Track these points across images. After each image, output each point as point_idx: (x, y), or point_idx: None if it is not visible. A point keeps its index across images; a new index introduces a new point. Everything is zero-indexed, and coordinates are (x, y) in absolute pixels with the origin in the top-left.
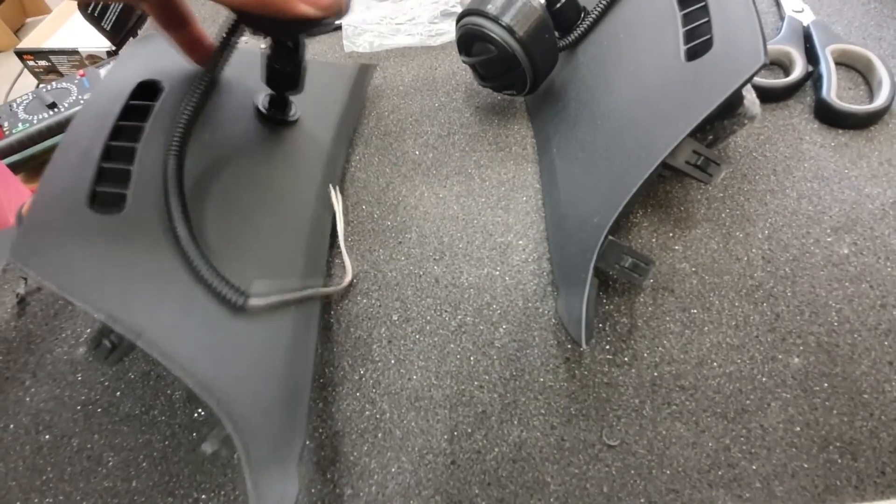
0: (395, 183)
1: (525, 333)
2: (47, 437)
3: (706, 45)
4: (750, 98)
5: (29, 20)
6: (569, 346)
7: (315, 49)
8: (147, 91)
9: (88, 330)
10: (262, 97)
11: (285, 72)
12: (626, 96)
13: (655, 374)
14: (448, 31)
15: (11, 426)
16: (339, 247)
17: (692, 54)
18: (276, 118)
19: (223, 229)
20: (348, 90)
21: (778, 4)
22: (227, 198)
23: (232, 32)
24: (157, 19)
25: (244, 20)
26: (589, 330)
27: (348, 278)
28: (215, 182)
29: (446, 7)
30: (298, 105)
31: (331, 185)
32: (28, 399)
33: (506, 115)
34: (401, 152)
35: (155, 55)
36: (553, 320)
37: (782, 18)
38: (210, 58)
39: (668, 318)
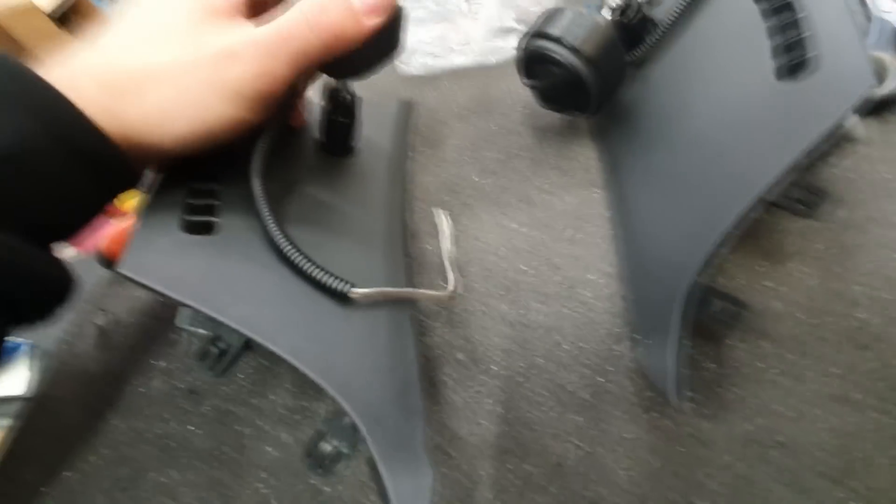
0: (455, 212)
1: (601, 378)
2: (126, 470)
3: (801, 63)
4: (852, 118)
5: None
6: (649, 394)
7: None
8: None
9: (163, 363)
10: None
11: (341, 123)
12: (709, 119)
13: (749, 427)
14: (504, 48)
15: (91, 458)
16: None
17: (785, 73)
18: (336, 148)
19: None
20: (393, 125)
21: (864, 3)
22: (303, 224)
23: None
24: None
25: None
26: (680, 384)
27: (450, 288)
28: (288, 213)
29: (501, 23)
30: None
31: (434, 210)
32: (108, 431)
33: (568, 136)
34: (460, 178)
35: None
36: (630, 364)
37: (869, 18)
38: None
39: (761, 365)
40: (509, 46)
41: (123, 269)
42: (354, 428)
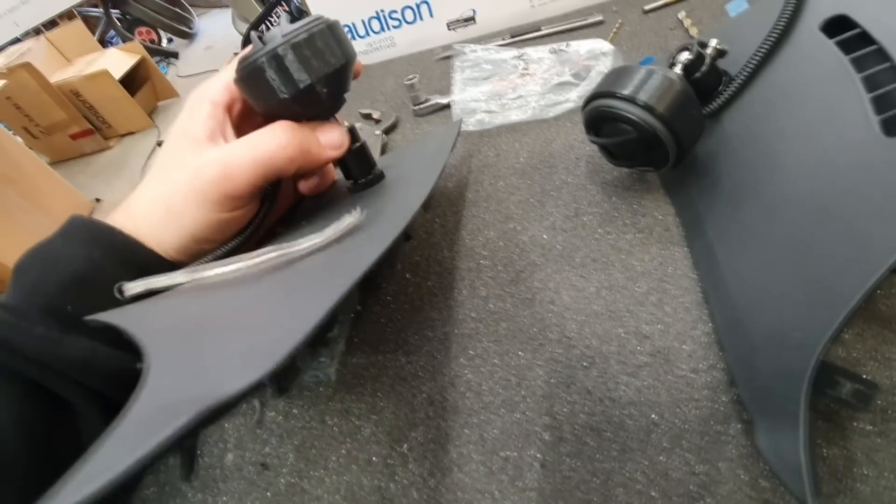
0: (525, 272)
1: (707, 465)
2: None
3: None
4: None
5: (160, 103)
6: (767, 486)
7: (424, 130)
8: None
9: (235, 435)
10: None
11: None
12: (806, 177)
13: None
14: (562, 103)
15: None
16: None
17: (891, 128)
18: (356, 180)
19: None
20: (435, 147)
21: None
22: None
23: None
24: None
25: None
26: (816, 483)
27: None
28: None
29: (559, 79)
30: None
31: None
32: None
33: (637, 190)
34: (527, 237)
35: None
36: (743, 449)
37: None
38: None
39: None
40: (566, 101)
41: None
42: None
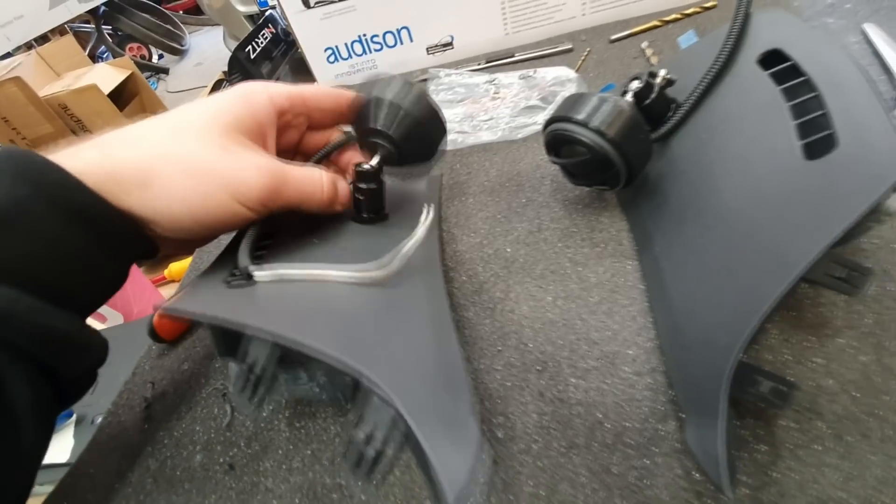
0: (488, 284)
1: (645, 459)
2: None
3: (828, 142)
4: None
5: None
6: (698, 477)
7: None
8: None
9: (204, 437)
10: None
11: (364, 191)
12: (738, 197)
13: None
14: (529, 125)
15: None
16: None
17: (812, 152)
18: (363, 214)
19: None
20: (425, 192)
21: (890, 73)
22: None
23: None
24: None
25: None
26: (732, 472)
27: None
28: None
29: (526, 102)
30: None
31: (425, 205)
32: None
33: (596, 208)
34: (492, 250)
35: None
36: (677, 444)
37: None
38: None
39: (818, 447)
40: (534, 123)
41: (170, 307)
42: (394, 423)
